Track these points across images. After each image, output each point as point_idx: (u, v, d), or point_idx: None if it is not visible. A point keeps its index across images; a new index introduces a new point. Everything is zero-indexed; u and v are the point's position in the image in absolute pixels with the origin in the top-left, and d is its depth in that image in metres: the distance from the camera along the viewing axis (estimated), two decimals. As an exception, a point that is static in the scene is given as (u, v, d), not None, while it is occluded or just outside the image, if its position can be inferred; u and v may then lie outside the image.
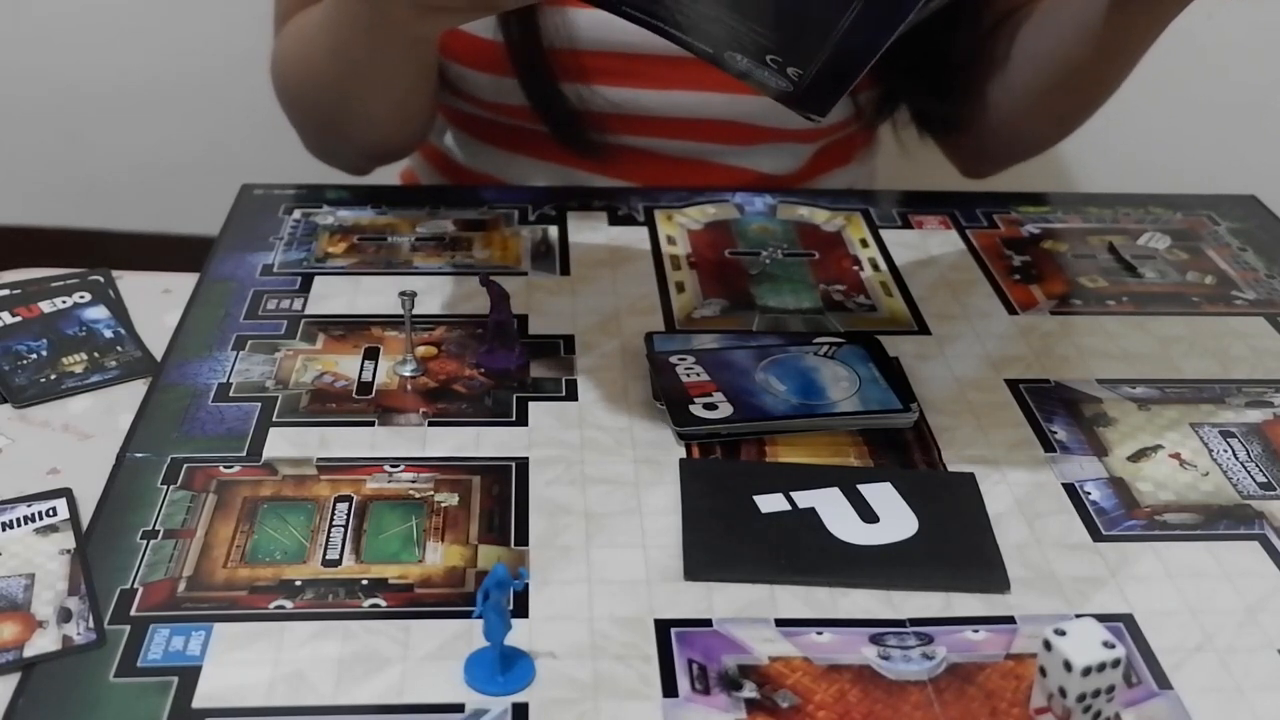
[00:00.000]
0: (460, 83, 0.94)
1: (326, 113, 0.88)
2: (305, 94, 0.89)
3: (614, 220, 0.85)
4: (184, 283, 0.76)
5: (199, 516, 0.58)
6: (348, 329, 0.72)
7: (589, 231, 0.84)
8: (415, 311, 0.68)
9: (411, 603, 0.54)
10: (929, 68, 0.91)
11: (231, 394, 0.66)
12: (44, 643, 0.52)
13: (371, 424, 0.65)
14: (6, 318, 0.72)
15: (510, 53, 0.88)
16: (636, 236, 0.83)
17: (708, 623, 0.54)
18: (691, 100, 0.92)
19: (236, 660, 0.51)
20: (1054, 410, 0.68)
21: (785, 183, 0.99)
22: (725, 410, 0.65)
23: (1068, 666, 0.47)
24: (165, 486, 0.60)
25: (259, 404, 0.66)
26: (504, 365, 0.69)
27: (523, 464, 0.62)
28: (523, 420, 0.65)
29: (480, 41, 0.90)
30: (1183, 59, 1.29)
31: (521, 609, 0.54)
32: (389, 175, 1.08)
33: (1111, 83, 0.84)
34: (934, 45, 0.90)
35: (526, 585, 0.55)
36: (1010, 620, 0.55)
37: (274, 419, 0.65)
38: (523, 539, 0.58)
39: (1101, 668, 0.47)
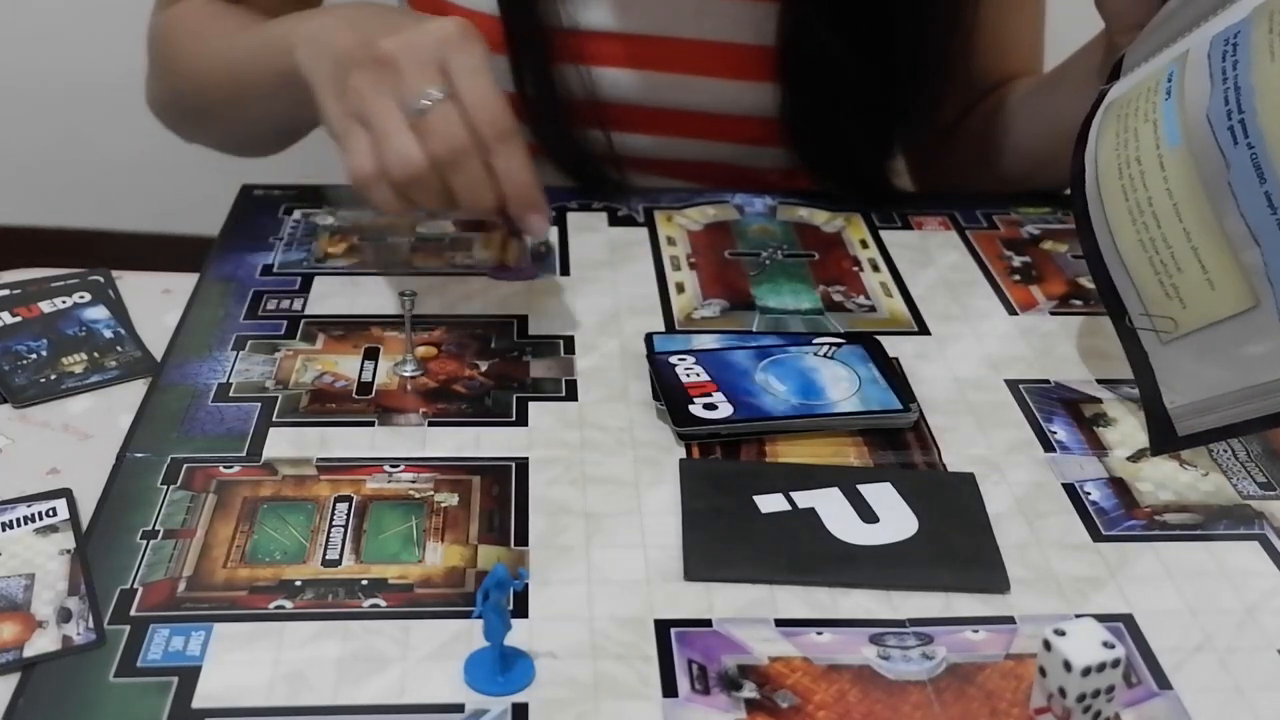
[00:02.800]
0: None
1: (188, 104, 0.93)
2: (179, 83, 0.92)
3: (614, 220, 0.85)
4: (184, 283, 0.76)
5: (199, 516, 0.58)
6: (348, 329, 0.72)
7: (589, 231, 0.84)
8: (415, 311, 0.68)
9: (411, 603, 0.54)
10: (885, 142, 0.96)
11: (231, 394, 0.66)
12: (44, 643, 0.52)
13: (371, 424, 0.65)
14: (6, 318, 0.72)
15: (524, 103, 0.91)
16: (636, 236, 0.83)
17: (708, 623, 0.54)
18: (676, 145, 0.95)
19: (236, 660, 0.51)
20: (1054, 410, 0.68)
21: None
22: (725, 410, 0.65)
23: (1067, 666, 0.47)
24: (165, 486, 0.60)
25: (259, 404, 0.66)
26: (514, 276, 0.72)
27: (523, 464, 0.62)
28: (523, 420, 0.65)
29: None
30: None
31: (521, 609, 0.54)
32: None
33: None
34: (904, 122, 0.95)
35: (526, 585, 0.55)
36: (1010, 620, 0.55)
37: (274, 419, 0.65)
38: (523, 539, 0.58)
39: (1101, 668, 0.47)
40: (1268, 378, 0.60)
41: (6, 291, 0.74)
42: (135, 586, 0.54)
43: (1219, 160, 0.59)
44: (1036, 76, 0.97)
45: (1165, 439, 0.64)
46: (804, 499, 0.60)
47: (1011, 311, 0.77)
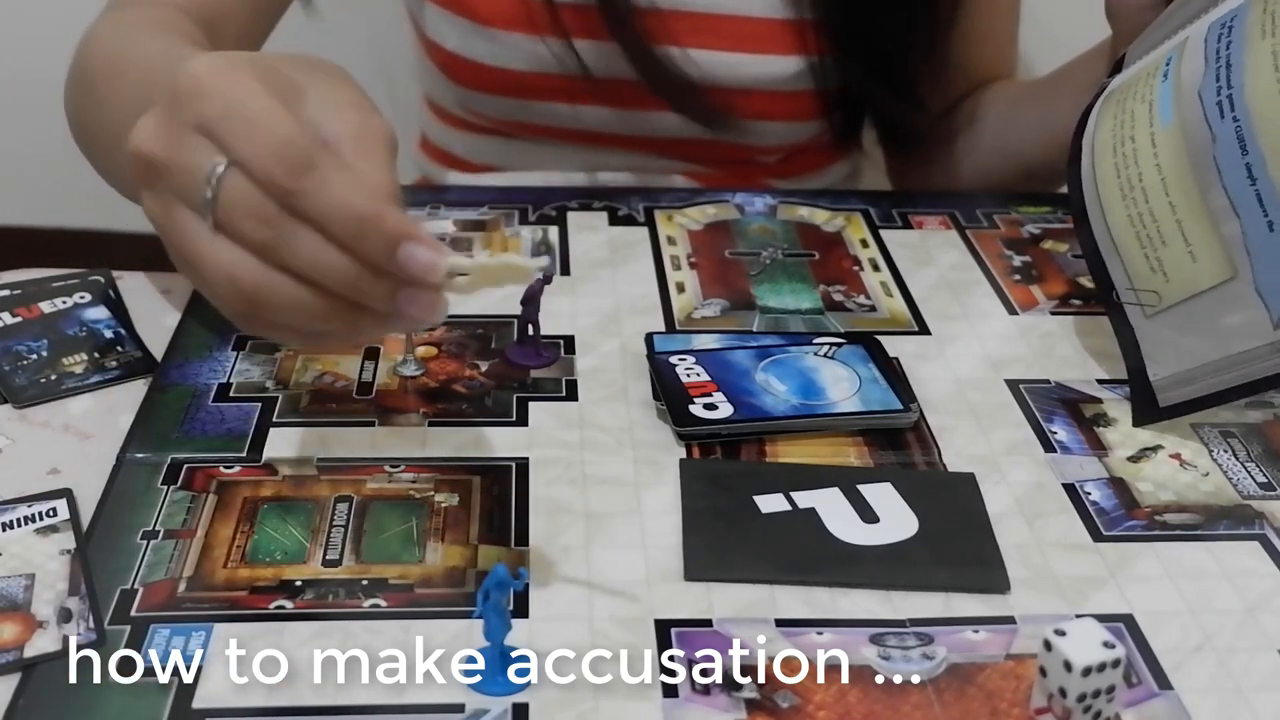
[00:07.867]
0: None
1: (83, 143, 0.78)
2: (78, 118, 0.77)
3: (614, 220, 0.85)
4: (184, 283, 0.76)
5: (199, 517, 0.58)
6: (348, 329, 0.72)
7: (589, 231, 0.84)
8: (415, 311, 0.68)
9: (411, 603, 0.54)
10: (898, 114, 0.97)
11: (231, 394, 0.66)
12: (44, 643, 0.52)
13: (371, 424, 0.65)
14: (7, 318, 0.72)
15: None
16: (636, 236, 0.83)
17: (708, 623, 0.54)
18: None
19: (237, 660, 0.51)
20: (1054, 410, 0.68)
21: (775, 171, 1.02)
22: (725, 410, 0.65)
23: (1068, 666, 0.47)
24: (165, 487, 0.60)
25: (259, 404, 0.66)
26: (529, 362, 0.69)
27: (523, 464, 0.62)
28: (523, 420, 0.65)
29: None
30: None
31: (521, 609, 0.54)
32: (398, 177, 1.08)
33: None
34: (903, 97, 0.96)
35: (526, 585, 0.55)
36: (1010, 620, 0.55)
37: (274, 419, 0.65)
38: (523, 539, 0.58)
39: (1101, 668, 0.47)
40: (1244, 347, 0.62)
41: (6, 291, 0.74)
42: (135, 587, 0.54)
43: (1206, 134, 0.61)
44: (1027, 82, 0.97)
45: (1147, 411, 0.66)
46: (804, 499, 0.60)
47: (1012, 311, 0.77)
